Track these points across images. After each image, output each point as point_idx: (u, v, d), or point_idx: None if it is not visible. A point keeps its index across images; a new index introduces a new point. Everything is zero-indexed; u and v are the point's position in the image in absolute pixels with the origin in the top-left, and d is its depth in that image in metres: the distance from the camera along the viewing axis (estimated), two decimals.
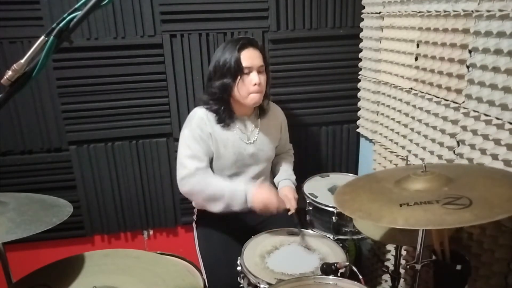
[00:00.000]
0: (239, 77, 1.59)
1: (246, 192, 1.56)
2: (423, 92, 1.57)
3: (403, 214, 0.94)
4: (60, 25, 0.73)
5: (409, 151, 1.70)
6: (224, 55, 1.61)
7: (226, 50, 1.61)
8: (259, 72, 1.62)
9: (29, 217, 1.01)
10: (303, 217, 1.83)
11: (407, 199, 1.00)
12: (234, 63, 1.57)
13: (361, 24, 2.07)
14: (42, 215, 1.03)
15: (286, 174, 1.89)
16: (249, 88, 1.60)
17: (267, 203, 1.54)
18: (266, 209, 1.54)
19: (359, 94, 2.17)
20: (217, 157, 1.69)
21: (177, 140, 1.78)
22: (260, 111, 1.77)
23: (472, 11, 1.26)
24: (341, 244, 1.53)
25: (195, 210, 1.88)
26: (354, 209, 1.06)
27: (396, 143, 1.82)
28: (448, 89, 1.41)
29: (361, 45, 2.09)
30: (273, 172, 1.94)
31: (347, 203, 1.11)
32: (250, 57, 1.60)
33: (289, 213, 1.63)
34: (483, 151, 1.26)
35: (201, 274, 1.40)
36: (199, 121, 1.65)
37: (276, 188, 1.85)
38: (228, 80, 1.60)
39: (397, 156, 1.83)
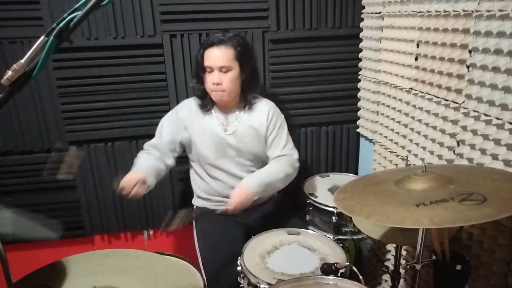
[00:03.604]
0: (204, 75, 1.69)
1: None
2: (423, 92, 1.57)
3: (425, 214, 0.91)
4: (60, 25, 0.73)
5: (409, 151, 1.70)
6: (197, 53, 1.73)
7: (199, 49, 1.71)
8: (222, 71, 1.64)
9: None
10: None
11: (420, 199, 0.96)
12: (199, 62, 1.69)
13: (361, 24, 2.07)
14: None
15: (253, 176, 1.70)
16: (210, 86, 1.67)
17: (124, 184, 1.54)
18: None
19: (359, 94, 2.17)
20: (195, 144, 1.75)
21: None
22: (246, 105, 1.78)
23: (472, 11, 1.26)
24: (341, 244, 1.53)
25: (193, 208, 1.88)
26: (368, 214, 1.00)
27: (396, 143, 1.82)
28: (448, 89, 1.41)
29: (361, 45, 2.09)
30: None
31: (355, 208, 1.05)
32: (211, 57, 1.65)
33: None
34: (483, 151, 1.26)
35: (201, 274, 1.40)
36: (180, 105, 1.82)
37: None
38: (197, 78, 1.74)
39: (397, 156, 1.83)
